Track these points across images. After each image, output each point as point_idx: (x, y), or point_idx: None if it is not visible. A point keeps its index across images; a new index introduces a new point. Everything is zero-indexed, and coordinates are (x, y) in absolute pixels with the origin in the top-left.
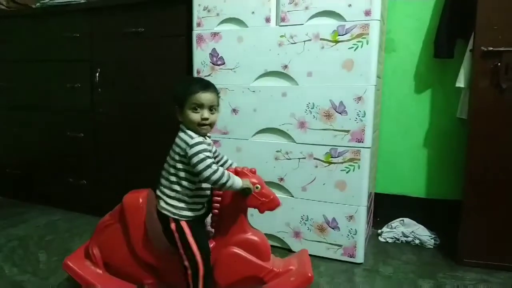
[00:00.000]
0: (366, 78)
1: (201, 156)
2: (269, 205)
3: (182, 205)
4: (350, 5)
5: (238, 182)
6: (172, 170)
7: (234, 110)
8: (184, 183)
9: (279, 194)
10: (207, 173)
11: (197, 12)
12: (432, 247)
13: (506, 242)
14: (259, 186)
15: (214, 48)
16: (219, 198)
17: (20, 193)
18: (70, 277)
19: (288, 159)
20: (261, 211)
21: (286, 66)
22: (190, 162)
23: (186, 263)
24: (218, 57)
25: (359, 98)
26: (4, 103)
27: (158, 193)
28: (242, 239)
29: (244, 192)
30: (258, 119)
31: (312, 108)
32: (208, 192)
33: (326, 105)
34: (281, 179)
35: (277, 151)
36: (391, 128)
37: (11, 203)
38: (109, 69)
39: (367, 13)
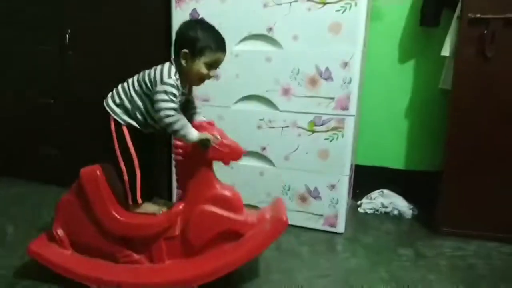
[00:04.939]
0: (353, 42)
1: (166, 97)
2: (232, 155)
3: (126, 117)
4: None
5: (193, 133)
6: (136, 87)
7: (215, 76)
8: (140, 108)
9: (260, 164)
10: (163, 114)
11: None
12: (410, 217)
13: (481, 212)
14: (218, 137)
15: (195, 8)
16: (180, 157)
17: None
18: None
19: (271, 127)
20: (226, 163)
21: (271, 29)
22: (153, 96)
23: (122, 165)
24: (199, 18)
25: (346, 64)
26: None
27: (112, 93)
28: (212, 195)
29: (203, 144)
30: (241, 85)
31: (297, 73)
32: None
33: (311, 71)
34: (263, 149)
35: (260, 120)
36: (373, 98)
37: None
38: (80, 31)
39: None
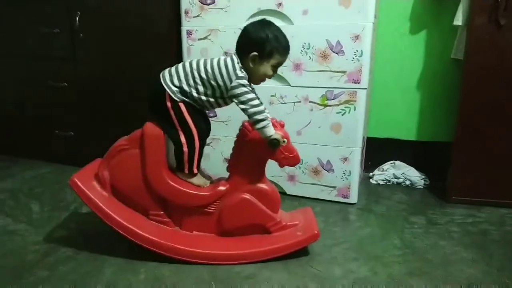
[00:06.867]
0: (364, 14)
1: (245, 89)
2: (290, 161)
3: (182, 96)
4: None
5: (271, 131)
6: (202, 75)
7: (226, 53)
8: (200, 94)
9: None
10: (249, 104)
11: None
12: (422, 187)
13: (492, 180)
14: (285, 140)
15: None
16: (246, 139)
17: (3, 147)
18: (65, 224)
19: (283, 103)
20: (281, 165)
21: (280, 4)
22: (231, 91)
23: (183, 138)
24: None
25: (357, 37)
26: None
27: (170, 72)
28: (257, 188)
29: (272, 144)
30: None
31: (308, 48)
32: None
33: (322, 45)
34: None
35: (271, 96)
36: (385, 70)
37: None
38: (89, 12)
39: None
